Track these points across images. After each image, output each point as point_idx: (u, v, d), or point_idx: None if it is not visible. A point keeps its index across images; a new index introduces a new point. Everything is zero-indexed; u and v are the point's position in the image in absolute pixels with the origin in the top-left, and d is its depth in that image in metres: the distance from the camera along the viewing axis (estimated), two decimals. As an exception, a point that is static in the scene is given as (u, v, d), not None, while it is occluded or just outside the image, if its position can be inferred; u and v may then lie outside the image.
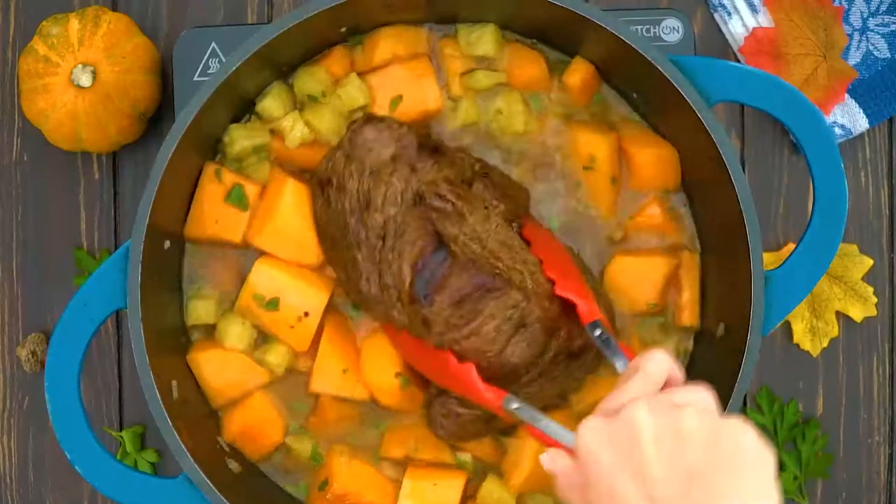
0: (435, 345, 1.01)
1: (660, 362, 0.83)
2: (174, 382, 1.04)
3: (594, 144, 1.10)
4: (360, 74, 1.10)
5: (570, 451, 0.82)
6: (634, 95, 1.10)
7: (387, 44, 1.10)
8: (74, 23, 1.13)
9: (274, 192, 1.07)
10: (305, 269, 1.08)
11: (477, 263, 1.01)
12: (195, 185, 1.09)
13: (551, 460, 0.83)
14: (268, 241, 1.07)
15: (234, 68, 0.99)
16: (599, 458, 0.77)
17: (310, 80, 1.09)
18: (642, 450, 0.76)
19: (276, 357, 1.09)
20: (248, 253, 1.10)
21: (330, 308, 1.10)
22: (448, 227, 1.01)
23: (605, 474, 0.76)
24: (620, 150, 1.11)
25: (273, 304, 1.06)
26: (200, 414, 1.09)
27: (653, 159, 1.10)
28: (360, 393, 1.08)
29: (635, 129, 1.12)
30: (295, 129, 1.08)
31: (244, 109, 1.10)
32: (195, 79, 1.14)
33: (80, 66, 1.12)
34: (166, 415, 0.99)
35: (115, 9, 1.24)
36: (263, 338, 1.10)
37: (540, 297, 1.00)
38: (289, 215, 1.07)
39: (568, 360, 1.03)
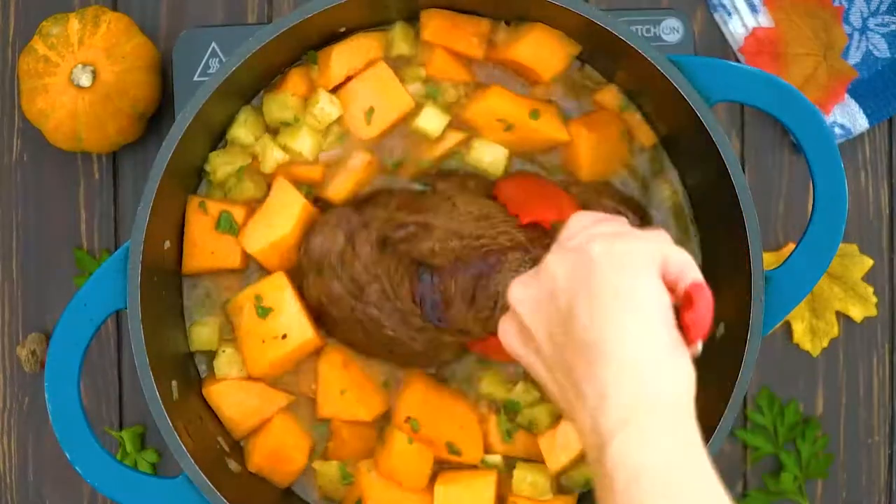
0: (483, 338, 1.03)
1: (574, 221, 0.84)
2: (174, 382, 1.04)
3: (489, 101, 1.07)
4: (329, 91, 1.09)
5: None
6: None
7: (339, 61, 1.08)
8: (74, 23, 1.13)
9: (281, 206, 1.07)
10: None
11: (463, 258, 1.02)
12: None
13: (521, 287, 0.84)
14: (263, 254, 1.07)
15: (236, 66, 0.99)
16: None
17: (278, 108, 1.08)
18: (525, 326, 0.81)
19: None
20: (247, 274, 1.10)
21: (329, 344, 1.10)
22: (418, 245, 1.02)
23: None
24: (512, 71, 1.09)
25: (265, 311, 1.06)
26: (220, 450, 1.09)
27: (532, 47, 1.07)
28: (363, 413, 1.08)
29: (503, 37, 1.09)
30: (267, 155, 1.08)
31: (219, 139, 1.10)
32: (195, 79, 1.14)
33: (80, 65, 1.12)
34: (166, 415, 0.99)
35: (115, 9, 1.24)
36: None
37: (537, 238, 1.02)
38: (292, 233, 1.07)
39: None
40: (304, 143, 1.07)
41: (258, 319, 1.06)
